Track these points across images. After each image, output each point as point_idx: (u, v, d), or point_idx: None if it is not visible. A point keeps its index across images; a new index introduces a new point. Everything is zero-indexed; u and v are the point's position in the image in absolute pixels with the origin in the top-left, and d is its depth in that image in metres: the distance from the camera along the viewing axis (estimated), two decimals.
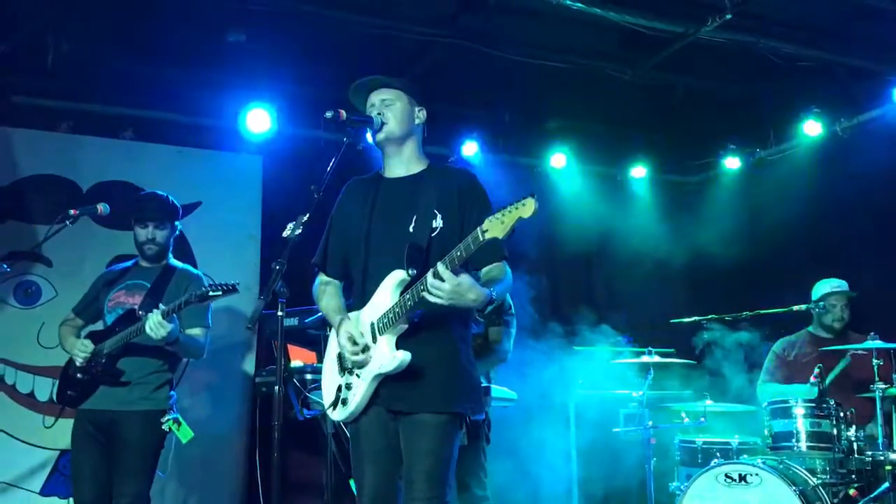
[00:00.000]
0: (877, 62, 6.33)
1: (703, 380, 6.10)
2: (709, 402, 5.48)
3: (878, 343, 4.76)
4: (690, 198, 8.06)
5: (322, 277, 3.40)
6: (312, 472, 5.57)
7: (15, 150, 5.91)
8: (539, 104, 7.24)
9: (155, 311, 4.01)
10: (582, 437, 6.44)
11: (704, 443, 5.31)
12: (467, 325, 3.24)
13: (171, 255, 4.54)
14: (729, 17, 5.55)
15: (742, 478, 4.64)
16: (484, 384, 4.56)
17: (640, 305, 7.41)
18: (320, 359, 4.34)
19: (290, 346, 5.26)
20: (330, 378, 3.27)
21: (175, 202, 4.52)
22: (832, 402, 4.74)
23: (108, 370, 4.21)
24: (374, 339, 3.08)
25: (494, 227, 2.78)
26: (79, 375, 4.27)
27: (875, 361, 4.73)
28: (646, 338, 6.34)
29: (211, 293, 4.00)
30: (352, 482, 3.30)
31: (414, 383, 3.03)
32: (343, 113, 3.16)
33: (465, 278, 2.87)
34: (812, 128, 6.93)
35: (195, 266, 5.20)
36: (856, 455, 4.67)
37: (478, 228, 2.82)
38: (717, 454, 5.19)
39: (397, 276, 3.06)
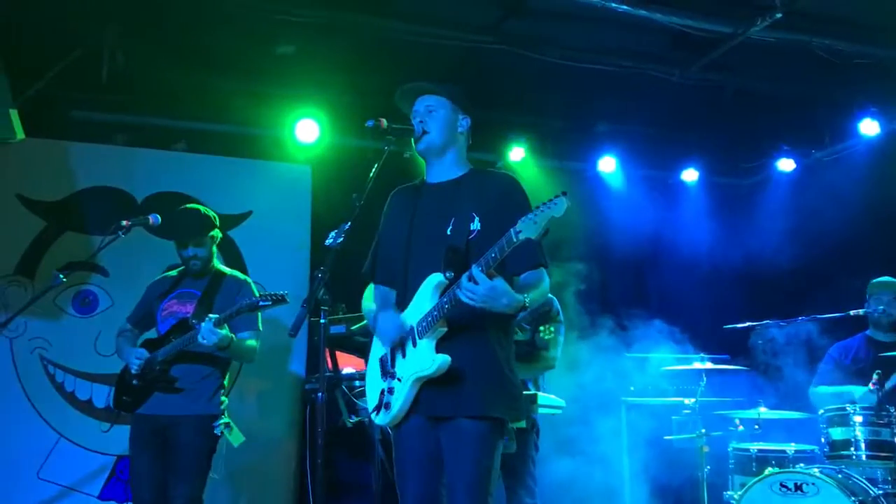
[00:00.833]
0: None
1: (757, 386, 5.96)
2: (763, 409, 5.34)
3: None
4: (743, 201, 7.91)
5: (372, 286, 3.43)
6: (361, 476, 5.59)
7: (72, 163, 6.08)
8: (586, 108, 7.17)
9: (207, 320, 4.08)
10: (633, 445, 6.34)
11: (759, 451, 5.17)
12: (507, 331, 3.22)
13: (217, 262, 4.61)
14: (779, 16, 5.43)
15: (798, 487, 4.51)
16: (531, 391, 4.54)
17: (693, 310, 7.27)
18: None
19: (339, 354, 5.30)
20: (373, 382, 3.28)
21: (209, 213, 4.57)
22: (892, 410, 4.59)
23: (162, 377, 4.31)
24: (415, 343, 3.08)
25: (528, 228, 2.78)
26: (134, 382, 4.37)
27: None
28: (699, 344, 6.23)
29: (261, 303, 4.08)
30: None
31: (453, 387, 3.03)
32: (384, 122, 3.17)
33: (499, 282, 2.86)
34: (869, 127, 6.75)
35: (245, 273, 5.28)
36: None
37: (511, 229, 2.81)
38: (773, 462, 5.05)
39: (435, 279, 3.07)
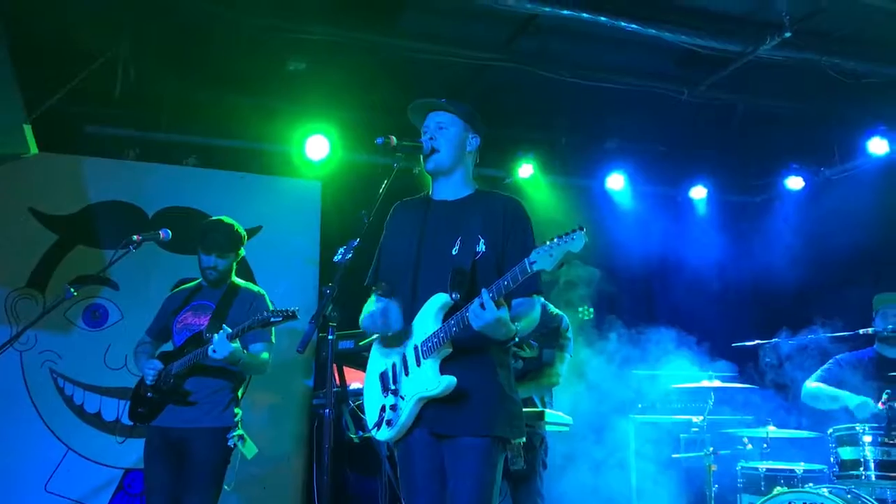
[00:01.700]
0: None
1: (766, 405, 5.93)
2: (772, 427, 5.32)
3: None
4: (752, 218, 7.89)
5: (374, 297, 3.42)
6: (369, 491, 5.58)
7: (84, 177, 6.13)
8: (595, 125, 7.19)
9: (219, 332, 4.10)
10: (641, 463, 6.31)
11: (768, 470, 5.15)
12: (507, 352, 3.25)
13: (234, 275, 4.63)
14: (788, 34, 5.45)
15: None
16: (538, 409, 4.53)
17: (702, 328, 7.25)
18: None
19: (347, 369, 5.31)
20: (373, 398, 3.29)
21: (240, 231, 4.61)
22: None
23: (177, 389, 4.33)
24: (419, 362, 3.09)
25: (543, 260, 2.81)
26: (149, 394, 4.39)
27: None
28: (708, 361, 6.21)
29: (272, 319, 4.09)
30: None
31: (456, 407, 3.05)
32: (393, 139, 3.19)
33: (503, 313, 2.90)
34: (878, 146, 6.73)
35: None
36: None
37: (525, 260, 2.84)
38: (781, 482, 5.02)
39: (440, 299, 3.08)
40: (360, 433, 4.87)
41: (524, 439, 3.37)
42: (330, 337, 3.03)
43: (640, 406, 6.38)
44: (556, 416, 4.61)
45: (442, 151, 3.27)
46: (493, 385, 3.12)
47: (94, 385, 5.88)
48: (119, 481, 5.79)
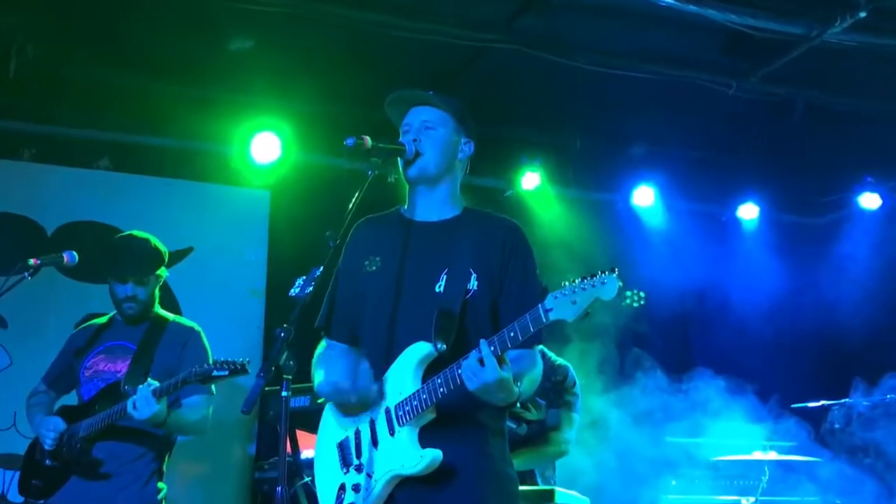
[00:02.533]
0: None
1: (836, 482, 5.94)
2: None
3: None
4: (816, 244, 7.96)
5: (326, 343, 3.38)
6: None
7: None
8: (619, 125, 7.24)
9: (144, 386, 4.03)
10: None
11: None
12: (503, 417, 3.22)
13: (157, 306, 4.59)
14: (863, 14, 5.51)
15: None
16: (543, 486, 4.52)
17: (752, 383, 7.26)
18: None
19: (300, 433, 5.26)
20: (327, 473, 3.23)
21: (159, 246, 4.57)
22: None
23: (83, 458, 4.24)
24: (392, 430, 3.05)
25: (563, 308, 2.76)
26: (47, 462, 4.30)
27: None
28: (760, 426, 6.22)
29: (215, 373, 4.03)
30: None
31: (437, 488, 2.99)
32: (368, 140, 3.17)
33: (507, 373, 2.85)
34: None
35: None
36: None
37: (540, 306, 2.81)
38: None
39: (421, 349, 3.04)
40: None
41: None
42: (283, 393, 2.98)
43: (673, 483, 6.37)
44: (568, 497, 4.59)
45: (427, 155, 3.25)
46: (484, 459, 3.08)
47: None
48: None
